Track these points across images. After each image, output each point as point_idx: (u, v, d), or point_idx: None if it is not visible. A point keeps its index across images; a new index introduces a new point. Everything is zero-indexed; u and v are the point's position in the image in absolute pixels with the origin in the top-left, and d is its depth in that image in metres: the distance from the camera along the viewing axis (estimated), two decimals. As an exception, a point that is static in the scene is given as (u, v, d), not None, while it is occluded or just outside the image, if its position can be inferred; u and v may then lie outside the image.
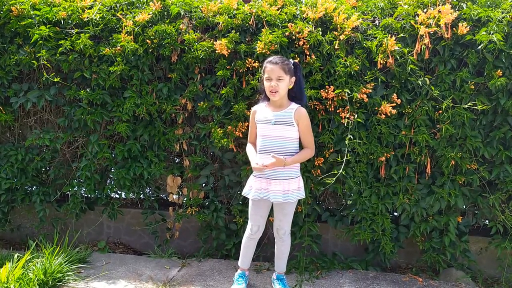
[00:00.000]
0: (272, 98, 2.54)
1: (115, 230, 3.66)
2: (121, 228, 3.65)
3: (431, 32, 2.79)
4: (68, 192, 3.44)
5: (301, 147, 2.64)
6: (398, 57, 2.81)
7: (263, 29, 2.90)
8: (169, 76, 3.11)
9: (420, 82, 2.80)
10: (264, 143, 2.58)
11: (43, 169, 3.57)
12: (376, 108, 2.88)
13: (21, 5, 3.12)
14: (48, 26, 3.08)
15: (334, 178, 2.80)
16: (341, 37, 2.84)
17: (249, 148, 2.73)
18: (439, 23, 2.76)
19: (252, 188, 2.61)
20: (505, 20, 2.70)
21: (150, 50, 3.05)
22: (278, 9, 3.00)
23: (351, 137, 2.83)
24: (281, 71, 2.48)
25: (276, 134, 2.55)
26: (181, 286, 2.84)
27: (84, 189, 3.38)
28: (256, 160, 2.56)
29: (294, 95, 2.61)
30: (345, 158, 2.82)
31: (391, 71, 2.87)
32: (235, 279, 2.83)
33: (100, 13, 3.08)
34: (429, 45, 2.79)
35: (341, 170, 2.79)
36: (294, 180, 2.59)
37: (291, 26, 2.87)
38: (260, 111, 2.63)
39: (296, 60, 2.71)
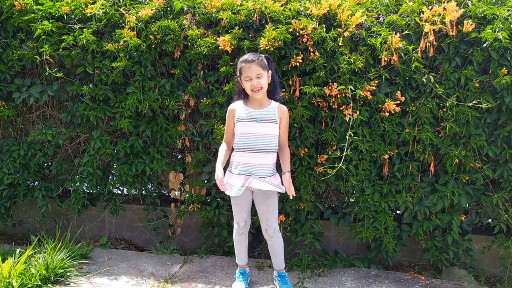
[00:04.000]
0: (256, 96, 2.52)
1: (117, 226, 3.66)
2: (123, 224, 3.65)
3: (436, 30, 2.77)
4: (70, 188, 3.44)
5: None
6: (402, 55, 2.80)
7: (266, 26, 2.88)
8: (172, 72, 3.10)
9: (424, 80, 2.78)
10: (248, 141, 2.55)
11: (45, 165, 3.57)
12: (379, 106, 2.86)
13: (24, 0, 3.11)
14: (51, 21, 3.07)
15: (335, 170, 2.79)
16: (345, 34, 2.82)
17: (221, 153, 2.63)
18: (444, 20, 2.74)
19: (233, 187, 2.56)
20: (510, 18, 2.68)
21: (153, 46, 3.04)
22: (282, 5, 2.98)
23: (351, 134, 2.81)
24: (259, 67, 2.47)
25: (261, 131, 2.54)
26: (182, 283, 2.84)
27: (86, 185, 3.38)
28: (219, 172, 2.51)
29: (270, 90, 2.61)
30: (344, 153, 2.82)
31: (395, 68, 2.85)
32: (236, 276, 2.83)
33: (103, 8, 3.07)
34: (434, 43, 2.77)
35: (340, 164, 2.79)
36: (274, 177, 2.58)
37: (295, 22, 2.85)
38: (240, 110, 2.59)
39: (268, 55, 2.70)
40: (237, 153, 2.61)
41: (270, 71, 2.56)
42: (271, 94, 2.63)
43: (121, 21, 3.09)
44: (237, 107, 2.62)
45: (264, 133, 2.55)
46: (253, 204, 2.72)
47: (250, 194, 2.65)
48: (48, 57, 3.08)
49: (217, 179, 2.51)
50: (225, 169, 2.62)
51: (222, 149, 2.66)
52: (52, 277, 2.74)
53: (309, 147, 2.98)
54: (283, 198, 3.06)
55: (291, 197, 2.54)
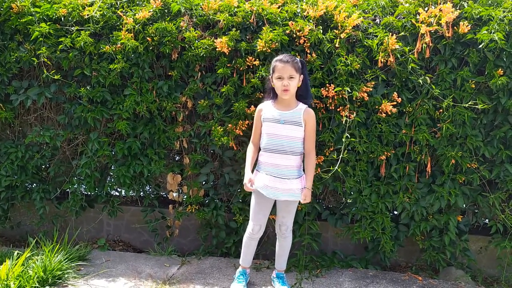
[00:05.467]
0: (284, 97, 2.54)
1: (115, 228, 3.66)
2: (121, 225, 3.65)
3: (432, 31, 2.79)
4: (68, 190, 3.44)
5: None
6: (399, 56, 2.81)
7: (263, 27, 2.89)
8: (169, 74, 3.10)
9: (420, 81, 2.79)
10: (271, 142, 2.58)
11: (43, 167, 3.57)
12: (376, 107, 2.88)
13: (21, 2, 3.11)
14: (48, 23, 3.07)
15: (330, 174, 2.80)
16: (342, 35, 2.83)
17: (248, 155, 2.71)
18: (440, 21, 2.76)
19: (257, 181, 2.62)
20: (506, 19, 2.70)
21: (151, 48, 3.04)
22: (279, 7, 2.99)
23: (348, 136, 2.82)
24: (293, 69, 2.48)
25: (284, 133, 2.56)
26: (180, 284, 2.84)
27: (84, 187, 3.38)
28: (250, 176, 2.63)
29: (300, 93, 2.61)
30: (341, 155, 2.83)
31: (391, 69, 2.87)
32: (236, 276, 2.83)
33: (100, 11, 3.07)
34: (430, 44, 2.78)
35: (336, 167, 2.81)
36: (298, 180, 2.60)
37: (292, 24, 2.86)
38: (267, 110, 2.62)
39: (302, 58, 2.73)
40: (263, 153, 2.63)
41: (302, 75, 2.57)
42: (302, 98, 2.63)
43: (118, 23, 3.09)
44: (264, 107, 2.65)
45: (286, 135, 2.56)
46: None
47: (279, 198, 2.66)
48: (46, 59, 3.08)
49: (245, 185, 2.61)
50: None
51: (250, 152, 2.71)
52: (50, 279, 2.74)
53: (306, 148, 2.98)
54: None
55: (302, 201, 2.61)
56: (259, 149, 2.69)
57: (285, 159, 2.56)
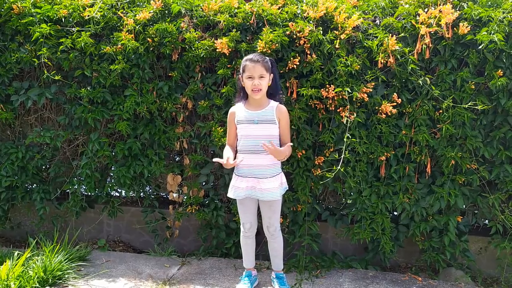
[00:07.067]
0: (255, 96, 2.54)
1: (115, 228, 3.67)
2: (121, 226, 3.65)
3: (432, 32, 2.79)
4: (68, 190, 3.45)
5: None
6: (398, 57, 2.81)
7: (264, 28, 2.90)
8: (169, 74, 3.11)
9: (420, 82, 2.80)
10: (248, 143, 2.58)
11: (44, 167, 3.57)
12: (376, 108, 2.88)
13: (22, 3, 3.12)
14: (49, 24, 3.08)
15: (333, 174, 2.80)
16: (342, 36, 2.84)
17: (226, 148, 2.68)
18: (440, 22, 2.76)
19: (237, 189, 2.61)
20: (506, 20, 2.70)
21: (151, 49, 3.05)
22: (279, 8, 3.00)
23: (349, 136, 2.83)
24: (263, 69, 2.49)
25: (260, 133, 2.56)
26: (181, 285, 2.85)
27: (84, 187, 3.38)
28: (228, 155, 2.51)
29: (271, 92, 2.63)
30: (343, 155, 2.83)
31: (391, 70, 2.87)
32: (241, 278, 2.84)
33: (101, 11, 3.08)
34: (430, 45, 2.79)
35: (339, 167, 2.81)
36: (277, 177, 2.61)
37: (292, 25, 2.86)
38: (240, 112, 2.62)
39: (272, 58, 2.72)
40: (240, 155, 2.62)
41: (272, 74, 2.58)
42: (272, 96, 2.64)
43: (119, 24, 3.10)
44: (236, 109, 2.65)
45: (262, 134, 2.56)
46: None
47: (257, 198, 2.66)
48: (46, 60, 3.08)
49: (224, 158, 2.47)
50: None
51: (227, 148, 2.69)
52: (50, 280, 2.74)
53: (306, 149, 2.99)
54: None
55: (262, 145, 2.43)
56: (236, 152, 2.68)
57: (262, 158, 2.55)
